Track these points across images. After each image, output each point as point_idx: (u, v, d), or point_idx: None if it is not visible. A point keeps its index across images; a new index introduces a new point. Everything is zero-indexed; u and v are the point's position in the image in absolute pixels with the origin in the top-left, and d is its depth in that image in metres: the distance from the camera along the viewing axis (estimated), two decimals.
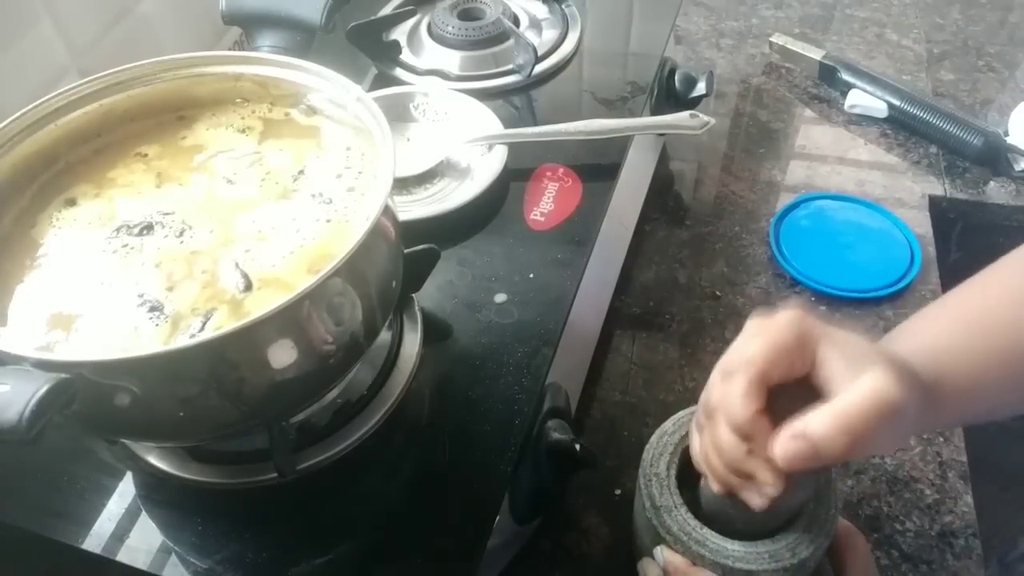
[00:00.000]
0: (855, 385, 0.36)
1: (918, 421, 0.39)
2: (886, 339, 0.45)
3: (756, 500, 0.40)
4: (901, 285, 0.73)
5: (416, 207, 0.62)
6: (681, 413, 0.50)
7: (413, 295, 0.55)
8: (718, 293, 0.74)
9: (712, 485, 0.42)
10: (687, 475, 0.48)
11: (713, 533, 0.44)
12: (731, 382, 0.38)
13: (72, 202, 0.47)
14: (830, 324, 0.39)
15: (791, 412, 0.37)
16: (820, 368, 0.38)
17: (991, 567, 0.58)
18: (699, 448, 0.43)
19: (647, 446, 0.49)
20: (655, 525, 0.45)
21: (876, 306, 0.72)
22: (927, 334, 0.44)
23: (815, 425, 0.36)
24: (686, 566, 0.44)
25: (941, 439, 0.62)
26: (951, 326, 0.44)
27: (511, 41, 0.76)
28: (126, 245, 0.44)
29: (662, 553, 0.45)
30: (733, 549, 0.43)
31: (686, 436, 0.49)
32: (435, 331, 0.55)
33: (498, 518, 0.47)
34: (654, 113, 0.77)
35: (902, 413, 0.36)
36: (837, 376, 0.37)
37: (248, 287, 0.41)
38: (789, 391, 0.39)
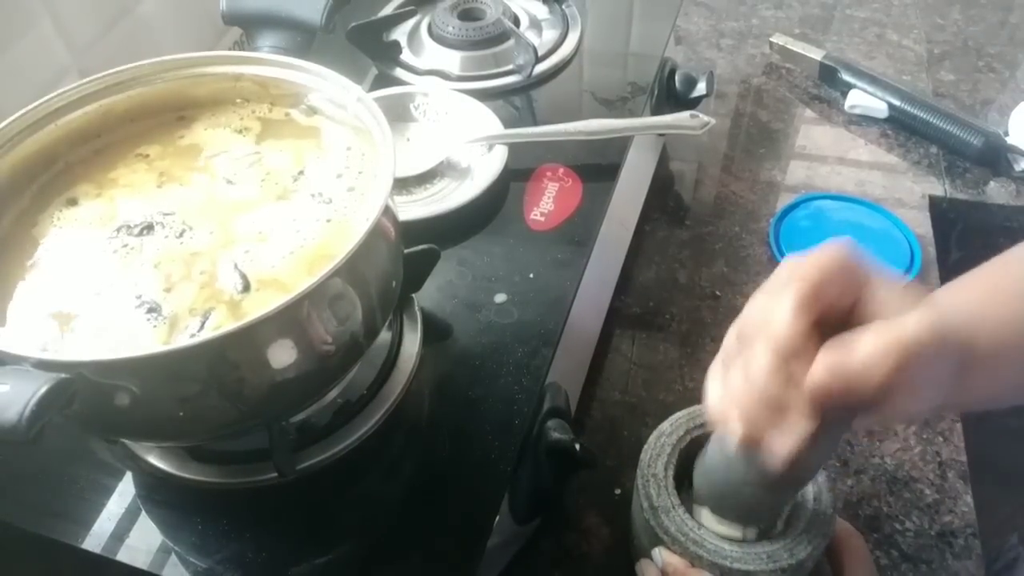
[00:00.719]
0: (910, 312, 0.33)
1: (951, 384, 0.36)
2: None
3: (783, 447, 0.35)
4: None
5: (416, 207, 0.62)
6: (679, 414, 0.50)
7: (413, 295, 0.55)
8: (718, 293, 0.74)
9: (732, 436, 0.36)
10: (685, 476, 0.48)
11: (711, 533, 0.44)
12: (777, 299, 0.34)
13: (74, 202, 0.47)
14: None
15: None
16: (870, 299, 0.35)
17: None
18: (721, 389, 0.38)
19: (645, 447, 0.49)
20: (653, 526, 0.45)
21: None
22: (961, 300, 0.43)
23: (863, 342, 0.32)
24: (684, 567, 0.43)
25: (941, 439, 0.62)
26: (985, 295, 0.43)
27: (511, 41, 0.76)
28: (126, 245, 0.44)
29: (660, 554, 0.45)
30: (731, 550, 0.43)
31: (684, 436, 0.49)
32: (435, 331, 0.55)
33: (498, 518, 0.46)
34: (654, 113, 0.77)
35: (945, 356, 0.34)
36: (891, 305, 0.34)
37: (246, 288, 0.41)
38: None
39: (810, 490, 0.46)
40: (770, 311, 0.35)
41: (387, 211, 0.42)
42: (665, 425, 0.49)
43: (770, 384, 0.34)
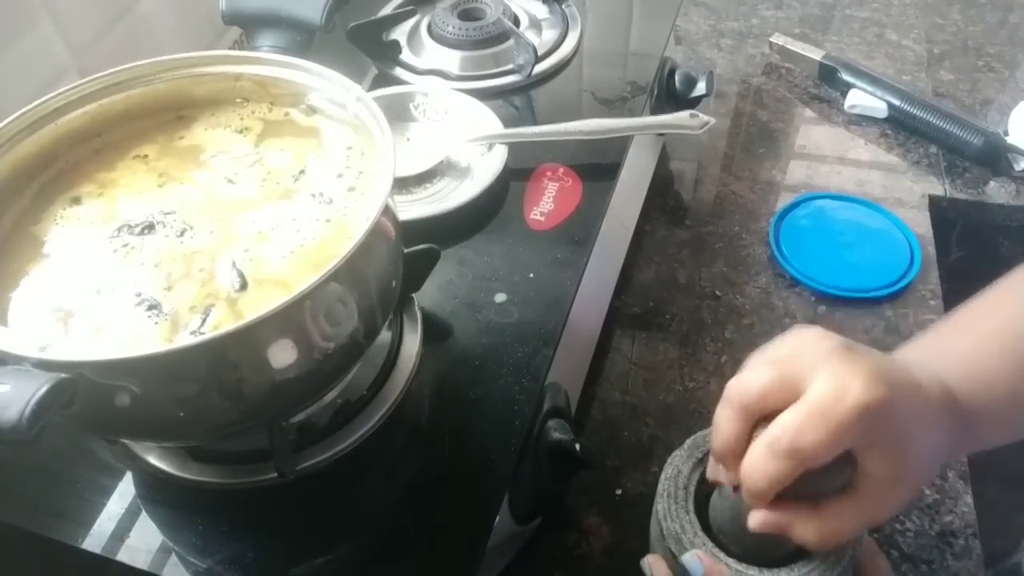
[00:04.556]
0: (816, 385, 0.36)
1: (954, 440, 0.39)
2: (904, 351, 0.44)
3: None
4: (901, 285, 0.73)
5: (416, 207, 0.62)
6: (695, 436, 0.47)
7: (413, 295, 0.55)
8: (718, 293, 0.74)
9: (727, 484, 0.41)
10: (704, 499, 0.46)
11: (734, 560, 0.42)
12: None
13: (75, 201, 0.47)
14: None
15: None
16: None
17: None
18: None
19: (662, 476, 0.46)
20: (673, 553, 0.44)
21: (876, 306, 0.72)
22: (955, 352, 0.43)
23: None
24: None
25: None
26: (979, 342, 0.43)
27: (511, 41, 0.76)
28: (127, 245, 0.44)
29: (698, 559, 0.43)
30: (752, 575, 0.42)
31: (702, 460, 0.46)
32: (435, 331, 0.55)
33: (498, 518, 0.47)
34: (654, 113, 0.77)
35: (890, 411, 0.35)
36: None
37: (244, 286, 0.41)
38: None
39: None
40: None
41: (387, 211, 0.42)
42: (682, 450, 0.46)
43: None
